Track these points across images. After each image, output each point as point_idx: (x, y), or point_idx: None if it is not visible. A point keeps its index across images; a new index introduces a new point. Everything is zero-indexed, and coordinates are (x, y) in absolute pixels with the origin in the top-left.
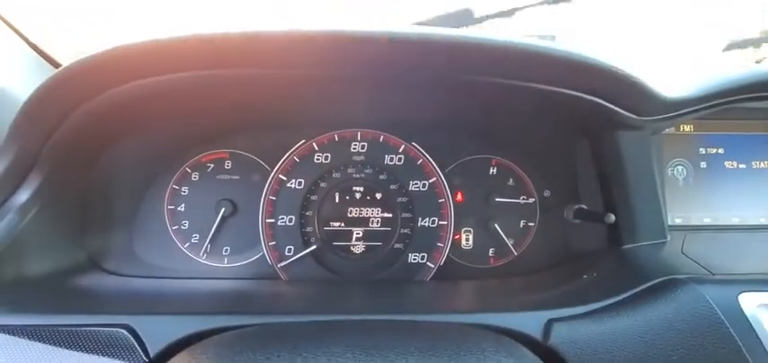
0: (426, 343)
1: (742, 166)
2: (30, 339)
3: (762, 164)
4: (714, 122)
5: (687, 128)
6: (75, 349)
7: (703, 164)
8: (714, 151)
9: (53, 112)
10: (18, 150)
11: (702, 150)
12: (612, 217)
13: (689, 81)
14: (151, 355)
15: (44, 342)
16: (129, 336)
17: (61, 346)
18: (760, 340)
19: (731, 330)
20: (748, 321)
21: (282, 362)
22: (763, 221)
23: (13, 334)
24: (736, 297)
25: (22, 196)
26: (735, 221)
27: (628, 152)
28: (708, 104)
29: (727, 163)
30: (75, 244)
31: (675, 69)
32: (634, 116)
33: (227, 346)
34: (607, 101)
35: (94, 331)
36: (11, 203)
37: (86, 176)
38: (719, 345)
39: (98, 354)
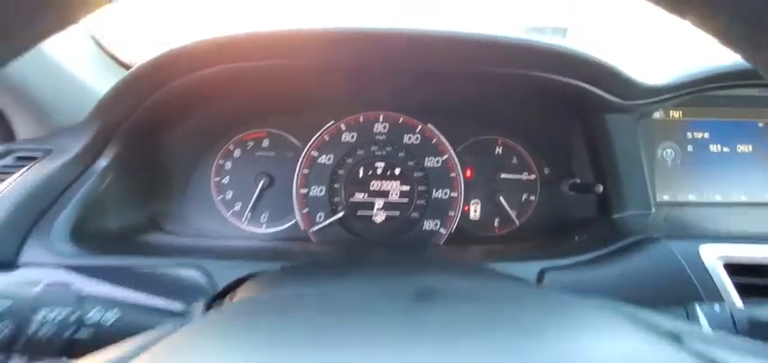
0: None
1: (725, 149)
2: (114, 277)
3: (744, 149)
4: (701, 109)
5: (676, 114)
6: (154, 285)
7: (690, 148)
8: (700, 136)
9: (132, 97)
10: (100, 126)
11: (689, 135)
12: (600, 188)
13: (673, 69)
14: (217, 289)
15: (127, 279)
16: (201, 274)
17: (142, 283)
18: (715, 284)
19: (691, 275)
20: (706, 268)
21: (334, 276)
22: (743, 198)
23: (100, 275)
24: (698, 249)
25: (102, 163)
26: (717, 198)
27: (616, 132)
28: (687, 91)
29: (712, 147)
30: (140, 207)
31: (669, 57)
32: (618, 100)
33: (287, 272)
34: (592, 86)
35: (170, 271)
36: (93, 169)
37: (151, 151)
38: (682, 288)
39: (173, 289)
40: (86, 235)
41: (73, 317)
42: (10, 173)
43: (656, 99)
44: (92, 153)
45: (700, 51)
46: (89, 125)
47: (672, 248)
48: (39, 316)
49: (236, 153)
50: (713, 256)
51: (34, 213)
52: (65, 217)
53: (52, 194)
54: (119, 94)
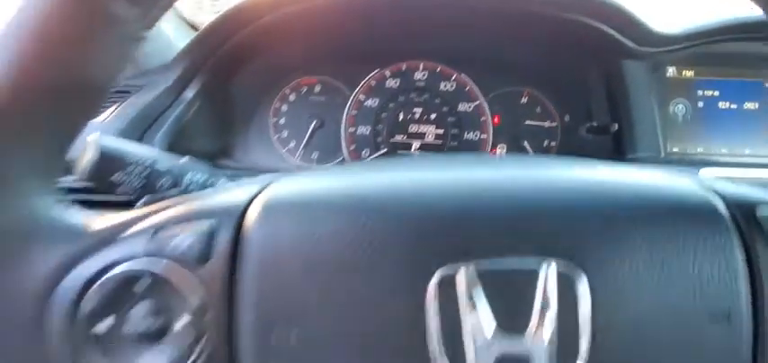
0: None
1: (733, 107)
2: None
3: (750, 106)
4: (712, 69)
5: (689, 73)
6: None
7: (700, 104)
8: (710, 93)
9: (207, 46)
10: (186, 65)
11: (700, 92)
12: (616, 126)
13: (687, 21)
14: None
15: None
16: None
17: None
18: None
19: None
20: None
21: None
22: (747, 152)
23: None
24: (697, 171)
25: (189, 94)
26: (724, 152)
27: (631, 81)
28: (700, 42)
29: (721, 104)
30: (216, 138)
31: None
32: (634, 46)
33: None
34: (613, 30)
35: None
36: (181, 98)
37: (224, 91)
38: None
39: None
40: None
41: (210, 180)
42: (107, 107)
43: (670, 48)
44: (180, 85)
45: (713, 6)
46: (176, 64)
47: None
48: (187, 177)
49: (292, 97)
50: (711, 174)
51: (135, 136)
52: (161, 138)
53: (148, 120)
54: (199, 42)
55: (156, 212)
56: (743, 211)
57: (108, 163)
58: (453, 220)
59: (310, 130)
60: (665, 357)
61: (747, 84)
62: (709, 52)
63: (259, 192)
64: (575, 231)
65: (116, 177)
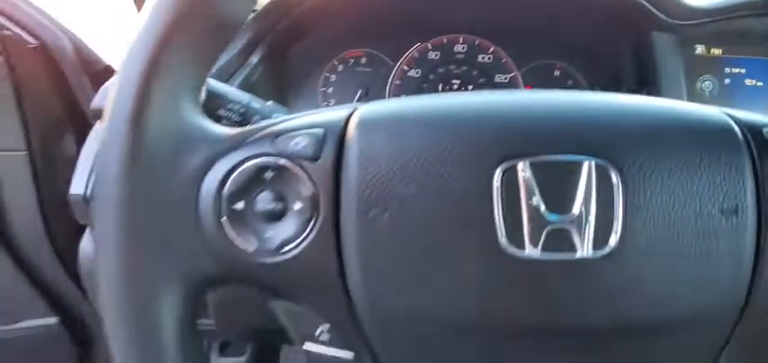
0: None
1: (759, 84)
2: None
3: None
4: (739, 48)
5: (717, 51)
6: None
7: (727, 81)
8: (737, 71)
9: (275, 15)
10: (252, 34)
11: (727, 69)
12: (645, 91)
13: None
14: None
15: None
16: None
17: None
18: None
19: None
20: None
21: None
22: None
23: None
24: None
25: (254, 59)
26: None
27: (660, 52)
28: (728, 16)
29: (748, 81)
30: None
31: None
32: (665, 17)
33: None
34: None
35: None
36: (247, 63)
37: (281, 61)
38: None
39: None
40: None
41: None
42: None
43: (699, 20)
44: (247, 51)
45: None
46: (242, 34)
47: None
48: (274, 116)
49: (340, 68)
50: None
51: None
52: None
53: (224, 77)
54: (261, 16)
55: (274, 125)
56: (751, 130)
57: (214, 99)
58: (514, 126)
59: (356, 98)
60: (683, 240)
61: None
62: (738, 30)
63: (355, 110)
64: (612, 135)
65: (220, 111)
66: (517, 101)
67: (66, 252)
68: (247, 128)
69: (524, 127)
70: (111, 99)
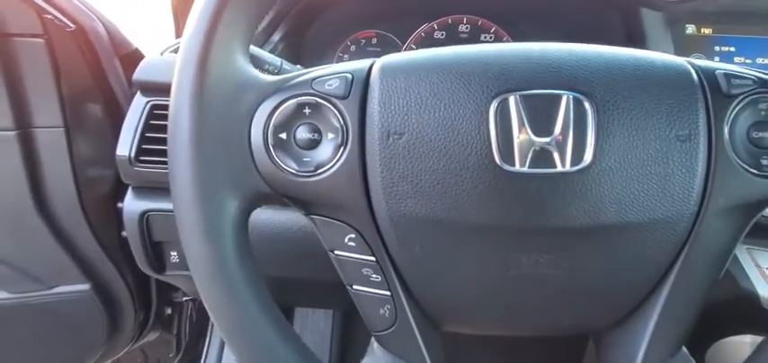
0: None
1: (747, 61)
2: None
3: (763, 61)
4: (728, 27)
5: (707, 30)
6: None
7: (717, 59)
8: (726, 49)
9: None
10: (274, 14)
11: (717, 48)
12: None
13: None
14: None
15: None
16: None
17: None
18: None
19: None
20: None
21: None
22: None
23: None
24: None
25: (276, 37)
26: None
27: (650, 30)
28: None
29: (737, 59)
30: None
31: None
32: None
33: None
34: None
35: None
36: (270, 41)
37: (300, 38)
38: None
39: None
40: None
41: None
42: None
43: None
44: (269, 30)
45: None
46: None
47: None
48: None
49: (352, 47)
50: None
51: None
52: None
53: None
54: None
55: (310, 72)
56: (706, 73)
57: (254, 59)
58: (507, 67)
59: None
60: (645, 159)
61: (761, 41)
62: (727, 10)
63: (377, 60)
64: (587, 74)
65: (264, 67)
66: (510, 48)
67: (97, 222)
68: (289, 74)
69: (515, 68)
70: (181, 49)
